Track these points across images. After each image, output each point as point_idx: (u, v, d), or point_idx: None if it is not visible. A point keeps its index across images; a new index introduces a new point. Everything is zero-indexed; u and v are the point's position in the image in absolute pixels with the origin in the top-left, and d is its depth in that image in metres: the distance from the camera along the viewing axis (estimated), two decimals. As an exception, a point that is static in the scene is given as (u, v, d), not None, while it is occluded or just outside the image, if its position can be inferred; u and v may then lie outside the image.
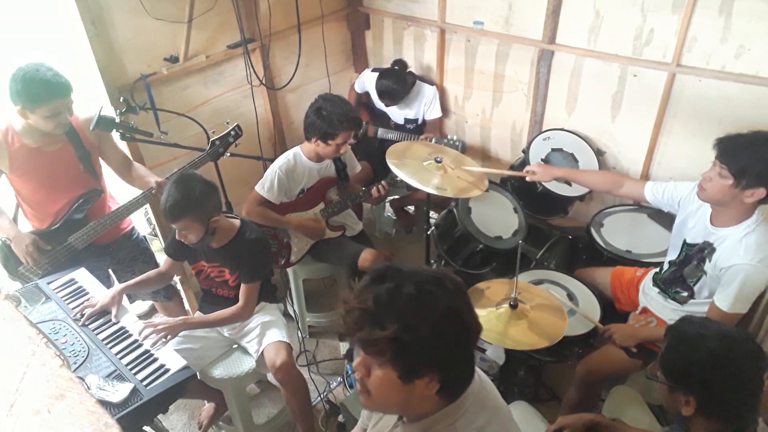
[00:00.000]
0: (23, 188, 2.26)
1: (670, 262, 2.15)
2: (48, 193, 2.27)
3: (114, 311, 2.09)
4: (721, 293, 1.90)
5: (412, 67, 3.49)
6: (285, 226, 2.74)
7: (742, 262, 1.84)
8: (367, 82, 3.43)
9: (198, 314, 2.44)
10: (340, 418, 2.50)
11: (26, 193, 2.28)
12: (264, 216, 2.64)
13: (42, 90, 2.02)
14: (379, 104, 3.45)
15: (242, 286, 2.25)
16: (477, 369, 1.18)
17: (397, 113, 3.42)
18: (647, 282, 2.27)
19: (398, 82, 3.21)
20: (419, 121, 3.42)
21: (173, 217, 2.03)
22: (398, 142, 3.05)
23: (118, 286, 2.23)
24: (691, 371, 1.45)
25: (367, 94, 3.49)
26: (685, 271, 2.07)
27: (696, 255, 2.02)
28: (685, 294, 2.09)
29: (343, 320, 1.05)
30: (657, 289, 2.19)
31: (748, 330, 2.30)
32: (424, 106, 3.35)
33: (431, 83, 3.36)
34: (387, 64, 3.36)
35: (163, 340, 2.01)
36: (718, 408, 1.45)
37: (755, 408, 1.48)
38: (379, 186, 2.69)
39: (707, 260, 1.97)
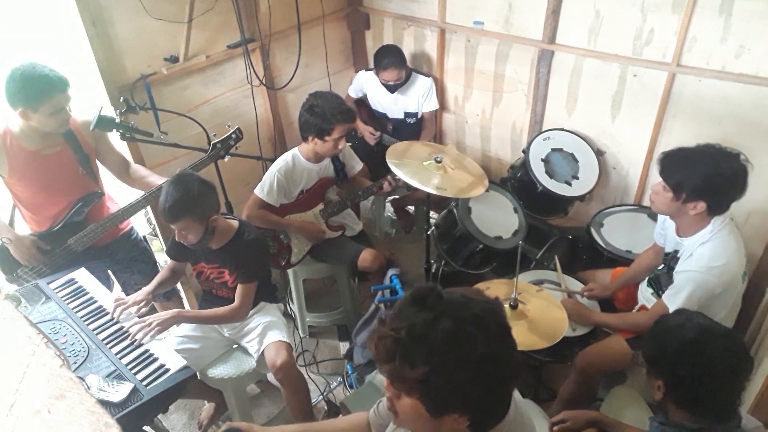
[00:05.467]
0: (22, 192, 2.25)
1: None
2: (47, 196, 2.26)
3: (136, 309, 2.13)
4: (671, 294, 1.95)
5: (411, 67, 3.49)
6: (285, 228, 2.74)
7: (692, 269, 1.89)
8: (362, 82, 3.43)
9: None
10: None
11: (25, 197, 2.26)
12: (264, 219, 2.64)
13: (43, 85, 2.00)
14: (376, 105, 3.45)
15: (238, 287, 2.24)
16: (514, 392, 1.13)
17: (396, 107, 3.39)
18: (644, 282, 2.29)
19: (393, 48, 3.24)
20: (419, 115, 3.41)
21: (173, 217, 2.02)
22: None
23: (148, 286, 2.26)
24: (662, 356, 1.51)
25: (364, 96, 3.49)
26: (661, 277, 2.13)
27: (670, 262, 2.07)
28: None
29: (375, 346, 1.00)
30: (651, 290, 2.20)
31: (742, 331, 2.32)
32: (422, 97, 3.34)
33: (427, 75, 3.36)
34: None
35: (154, 330, 2.01)
36: (687, 397, 1.49)
37: (730, 406, 1.49)
38: (390, 179, 2.69)
39: (674, 268, 2.02)
